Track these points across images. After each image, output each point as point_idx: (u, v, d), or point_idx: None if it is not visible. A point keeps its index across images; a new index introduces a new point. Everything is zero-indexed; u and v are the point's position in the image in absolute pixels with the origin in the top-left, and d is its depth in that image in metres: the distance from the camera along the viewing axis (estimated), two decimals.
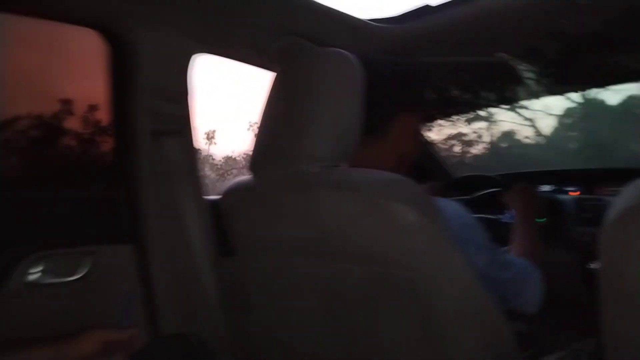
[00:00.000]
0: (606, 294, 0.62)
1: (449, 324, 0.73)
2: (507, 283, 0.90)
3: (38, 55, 1.17)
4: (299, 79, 0.85)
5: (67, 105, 1.25)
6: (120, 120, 1.16)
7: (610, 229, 0.60)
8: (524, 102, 1.94)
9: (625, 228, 0.58)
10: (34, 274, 1.05)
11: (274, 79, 0.92)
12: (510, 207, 1.30)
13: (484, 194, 1.62)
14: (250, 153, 0.93)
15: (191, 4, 1.03)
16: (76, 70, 1.26)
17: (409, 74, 1.00)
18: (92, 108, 1.27)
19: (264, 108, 0.92)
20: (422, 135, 1.94)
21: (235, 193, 0.97)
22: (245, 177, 0.97)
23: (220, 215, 1.01)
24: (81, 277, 1.10)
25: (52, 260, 1.07)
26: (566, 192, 1.63)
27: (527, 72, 1.47)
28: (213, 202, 1.12)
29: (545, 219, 1.34)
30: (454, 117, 2.23)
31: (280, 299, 0.95)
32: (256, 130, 0.94)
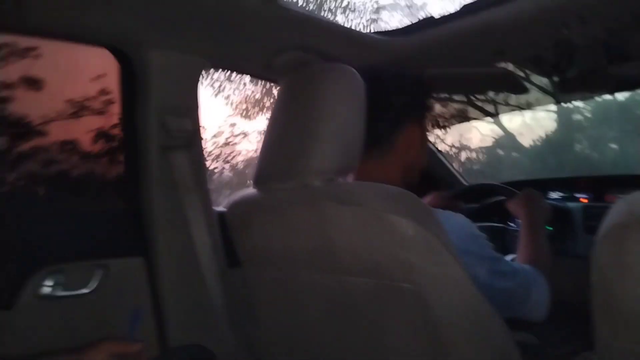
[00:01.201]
0: (599, 311, 0.62)
1: (450, 336, 0.73)
2: (511, 291, 0.90)
3: (51, 74, 1.20)
4: (302, 92, 0.86)
5: (78, 122, 1.28)
6: (131, 135, 1.19)
7: (601, 245, 0.60)
8: (528, 110, 1.95)
9: (615, 244, 0.58)
10: (46, 287, 1.07)
11: (279, 92, 0.94)
12: (515, 214, 1.30)
13: (491, 202, 1.63)
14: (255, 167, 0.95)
15: (198, 22, 1.06)
16: (88, 88, 1.30)
17: (413, 85, 1.01)
18: (103, 124, 1.30)
19: (269, 121, 0.93)
20: (428, 145, 1.95)
21: (240, 206, 0.98)
22: (250, 190, 0.98)
23: (226, 227, 1.03)
24: (92, 290, 1.12)
25: (63, 273, 1.09)
26: (576, 200, 1.62)
27: (530, 80, 1.48)
28: (220, 214, 1.13)
29: (552, 228, 1.33)
30: (459, 126, 2.24)
31: (287, 310, 0.96)
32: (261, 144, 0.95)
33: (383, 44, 1.31)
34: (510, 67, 1.41)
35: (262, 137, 0.95)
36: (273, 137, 0.91)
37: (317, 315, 0.88)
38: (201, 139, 1.24)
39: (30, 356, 0.89)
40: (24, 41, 1.06)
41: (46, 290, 1.07)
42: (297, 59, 1.15)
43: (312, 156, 0.80)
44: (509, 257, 1.06)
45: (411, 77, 1.02)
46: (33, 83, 1.20)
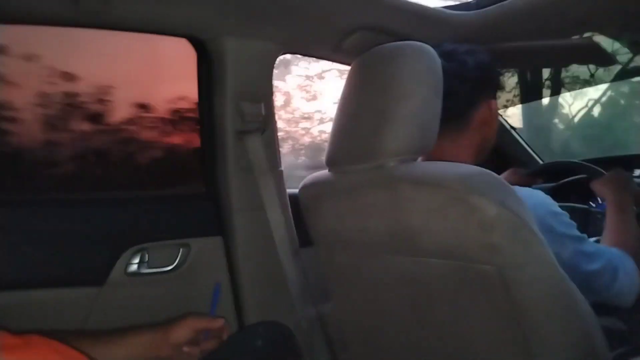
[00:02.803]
0: None
1: (532, 319, 0.71)
2: (596, 274, 0.86)
3: (132, 65, 1.27)
4: (377, 73, 0.85)
5: (160, 111, 1.35)
6: (208, 121, 1.24)
7: None
8: (611, 83, 1.82)
9: None
10: (133, 265, 1.15)
11: (349, 73, 0.94)
12: (600, 196, 1.23)
13: (571, 181, 1.54)
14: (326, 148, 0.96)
15: (272, 8, 1.07)
16: (167, 77, 1.36)
17: (488, 60, 0.99)
18: (183, 112, 1.36)
19: (339, 102, 0.94)
20: (501, 121, 1.88)
21: (313, 188, 0.99)
22: (322, 171, 0.99)
23: (299, 206, 1.05)
24: (174, 267, 1.19)
25: (149, 252, 1.17)
26: None
27: (613, 52, 1.37)
28: (293, 196, 1.16)
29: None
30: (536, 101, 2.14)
31: (361, 292, 0.97)
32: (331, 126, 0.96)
33: (454, 18, 1.26)
34: (593, 37, 1.32)
35: (333, 119, 0.95)
36: (345, 119, 0.91)
37: (393, 297, 0.89)
38: (275, 123, 1.27)
39: (119, 330, 0.95)
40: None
41: (133, 268, 1.15)
42: (368, 39, 1.14)
43: (388, 137, 0.79)
44: (593, 240, 1.02)
45: (485, 52, 0.99)
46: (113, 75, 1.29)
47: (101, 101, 1.28)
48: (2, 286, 1.02)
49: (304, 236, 1.15)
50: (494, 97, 1.01)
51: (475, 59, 0.96)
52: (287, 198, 1.28)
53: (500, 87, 1.04)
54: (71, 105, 1.25)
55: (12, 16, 1.00)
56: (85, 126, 1.29)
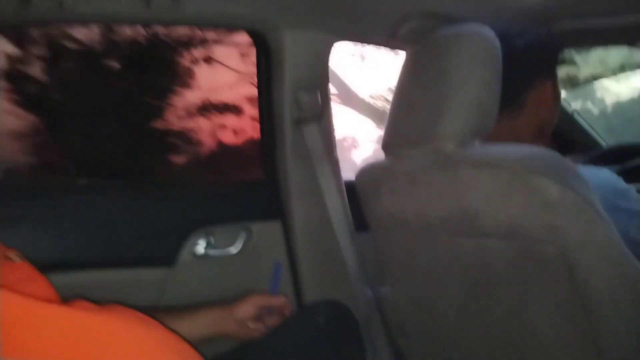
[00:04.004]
0: None
1: (598, 300, 0.70)
2: None
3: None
4: (434, 57, 0.86)
5: (224, 103, 1.42)
6: (268, 111, 1.28)
7: None
8: None
9: None
10: (200, 247, 1.22)
11: (405, 59, 0.95)
12: None
13: (637, 164, 1.48)
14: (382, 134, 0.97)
15: (325, 1, 1.10)
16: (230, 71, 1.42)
17: (543, 40, 0.96)
18: (245, 103, 1.42)
19: (396, 89, 0.95)
20: (561, 103, 1.81)
21: (370, 173, 1.01)
22: (379, 158, 1.01)
23: (356, 193, 1.07)
24: (238, 250, 1.26)
25: (214, 235, 1.24)
26: None
27: None
28: (349, 182, 1.19)
29: None
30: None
31: (420, 274, 0.98)
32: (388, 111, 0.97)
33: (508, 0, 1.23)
34: None
35: (390, 104, 0.97)
36: (402, 104, 0.92)
37: (452, 281, 0.89)
38: (331, 111, 1.30)
39: (190, 307, 1.02)
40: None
41: (200, 250, 1.22)
42: (425, 25, 1.14)
43: (446, 120, 0.79)
44: None
45: (539, 32, 0.97)
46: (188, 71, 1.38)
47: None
48: (79, 266, 1.11)
49: (359, 222, 1.18)
50: (551, 77, 0.98)
51: (525, 41, 0.94)
52: (343, 184, 1.31)
53: (558, 64, 1.01)
54: None
55: (84, 16, 1.08)
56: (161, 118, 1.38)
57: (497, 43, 0.83)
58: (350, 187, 1.12)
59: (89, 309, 0.59)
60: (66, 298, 0.73)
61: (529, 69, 0.94)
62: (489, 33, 0.83)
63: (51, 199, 1.12)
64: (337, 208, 1.25)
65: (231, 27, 1.21)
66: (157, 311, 0.95)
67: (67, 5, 0.95)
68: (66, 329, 0.51)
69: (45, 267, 0.76)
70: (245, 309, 1.01)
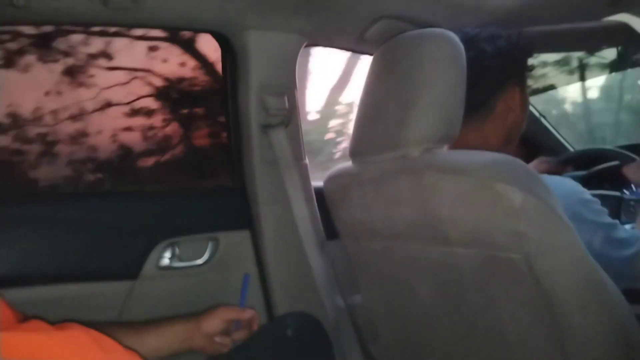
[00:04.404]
0: None
1: (565, 307, 0.70)
2: (629, 260, 0.84)
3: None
4: (399, 61, 0.85)
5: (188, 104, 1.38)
6: (234, 116, 1.25)
7: None
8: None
9: None
10: (165, 259, 1.18)
11: (371, 63, 0.93)
12: (634, 182, 1.20)
13: (603, 168, 1.50)
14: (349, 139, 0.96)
15: (294, 0, 1.08)
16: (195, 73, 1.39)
17: (511, 45, 0.96)
18: (210, 107, 1.38)
19: (362, 93, 0.93)
20: (529, 108, 1.84)
21: (338, 179, 0.99)
22: (346, 163, 0.99)
23: (324, 200, 1.05)
24: (205, 261, 1.22)
25: (180, 245, 1.20)
26: None
27: None
28: (318, 189, 1.17)
29: None
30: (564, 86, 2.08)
31: (389, 282, 0.97)
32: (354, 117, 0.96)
33: (477, 3, 1.24)
34: (626, 18, 1.27)
35: (356, 109, 0.95)
36: (368, 109, 0.91)
37: (422, 287, 0.89)
38: (298, 116, 1.27)
39: (153, 321, 0.98)
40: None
41: (165, 261, 1.18)
42: (392, 28, 1.14)
43: (411, 126, 0.78)
44: (627, 227, 0.99)
45: (508, 36, 0.97)
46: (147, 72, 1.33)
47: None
48: (36, 280, 1.06)
49: (329, 229, 1.15)
50: (520, 83, 0.98)
51: (494, 46, 0.93)
52: (312, 191, 1.28)
53: (528, 70, 1.02)
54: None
55: (42, 17, 1.03)
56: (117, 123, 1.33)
57: (461, 47, 0.82)
58: (321, 194, 1.10)
59: (46, 329, 0.56)
60: (25, 315, 0.70)
61: (498, 74, 0.94)
62: (453, 37, 0.82)
63: (5, 206, 1.06)
64: (305, 216, 1.23)
65: (193, 29, 1.18)
66: (120, 326, 0.92)
67: (19, 4, 0.90)
68: (21, 353, 0.49)
69: (3, 282, 0.72)
70: (213, 323, 0.98)
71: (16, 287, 0.98)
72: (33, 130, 1.32)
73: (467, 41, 0.90)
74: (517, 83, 0.96)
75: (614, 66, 2.01)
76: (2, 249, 1.03)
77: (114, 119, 1.36)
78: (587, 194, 0.85)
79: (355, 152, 0.93)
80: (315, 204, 1.28)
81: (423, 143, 0.79)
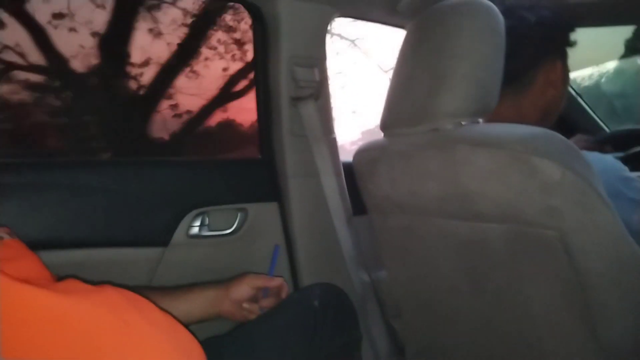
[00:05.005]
0: None
1: (597, 286, 0.69)
2: None
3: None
4: (433, 32, 0.83)
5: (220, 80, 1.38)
6: (264, 88, 1.25)
7: None
8: None
9: None
10: (194, 227, 1.20)
11: (405, 36, 0.91)
12: None
13: None
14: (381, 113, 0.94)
15: None
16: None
17: (554, 16, 0.92)
18: (237, 79, 1.38)
19: (395, 66, 0.92)
20: (569, 84, 1.78)
21: (368, 153, 0.99)
22: (377, 138, 0.98)
23: (353, 175, 1.05)
24: (233, 230, 1.24)
25: (209, 215, 1.22)
26: None
27: None
28: (347, 163, 1.16)
29: None
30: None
31: (415, 257, 0.97)
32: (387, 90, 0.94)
33: None
34: None
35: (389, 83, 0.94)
36: (400, 82, 0.89)
37: (447, 263, 0.88)
38: (329, 88, 1.26)
39: (184, 286, 1.00)
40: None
41: (195, 230, 1.20)
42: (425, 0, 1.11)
43: (445, 98, 0.77)
44: None
45: (551, 7, 0.93)
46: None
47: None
48: (71, 244, 1.09)
49: (357, 204, 1.15)
50: (561, 57, 0.94)
51: (537, 15, 0.90)
52: (341, 165, 1.28)
53: (569, 45, 0.98)
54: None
55: None
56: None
57: (500, 17, 0.79)
58: (350, 169, 1.10)
59: (78, 290, 0.58)
60: (59, 276, 0.72)
61: (540, 44, 0.90)
62: (492, 6, 0.79)
63: (42, 173, 1.09)
64: (334, 190, 1.23)
65: None
66: (150, 290, 0.94)
67: None
68: (52, 314, 0.50)
69: (37, 245, 0.74)
70: (241, 289, 0.99)
71: (50, 250, 1.01)
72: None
73: (507, 9, 0.87)
74: (558, 57, 0.93)
75: None
76: (38, 213, 1.06)
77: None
78: (627, 171, 0.83)
79: (386, 125, 0.92)
80: (344, 178, 1.28)
81: (456, 116, 0.77)
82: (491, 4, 0.80)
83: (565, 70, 0.95)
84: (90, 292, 0.58)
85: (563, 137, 0.69)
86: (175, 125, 1.43)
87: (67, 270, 0.82)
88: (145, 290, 0.93)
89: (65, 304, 0.52)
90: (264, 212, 1.27)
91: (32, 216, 1.05)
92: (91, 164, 1.19)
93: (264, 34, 1.21)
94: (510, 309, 0.81)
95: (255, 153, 1.35)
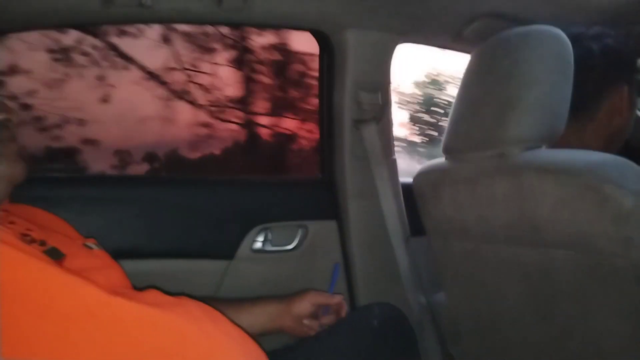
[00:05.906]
0: None
1: None
2: None
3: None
4: (499, 60, 0.83)
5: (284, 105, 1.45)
6: (328, 111, 1.30)
7: None
8: None
9: None
10: (258, 242, 1.26)
11: (470, 61, 0.93)
12: None
13: None
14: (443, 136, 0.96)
15: (391, 1, 1.10)
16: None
17: (620, 43, 0.91)
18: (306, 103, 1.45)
19: (459, 90, 0.93)
20: (636, 111, 1.71)
21: (429, 175, 0.99)
22: (438, 159, 0.99)
23: (412, 196, 1.06)
24: (294, 247, 1.28)
25: (272, 231, 1.27)
26: None
27: None
28: (406, 184, 1.18)
29: None
30: None
31: (477, 283, 0.96)
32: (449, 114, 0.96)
33: (581, 0, 1.18)
34: None
35: (452, 106, 0.95)
36: (465, 107, 0.90)
37: (512, 291, 0.87)
38: (391, 112, 1.29)
39: (249, 299, 1.04)
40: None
41: (258, 245, 1.26)
42: (490, 26, 1.12)
43: (512, 124, 0.77)
44: None
45: (616, 35, 0.92)
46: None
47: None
48: (148, 254, 1.17)
49: (414, 225, 1.17)
50: (628, 84, 0.92)
51: (601, 45, 0.89)
52: (400, 187, 1.30)
53: (637, 71, 0.96)
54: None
55: (161, 16, 1.13)
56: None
57: (569, 44, 0.79)
58: (408, 190, 1.11)
59: (164, 302, 0.61)
60: (135, 286, 0.77)
61: (605, 74, 0.89)
62: (560, 34, 0.80)
63: (127, 188, 1.18)
64: (392, 211, 1.25)
65: (297, 27, 1.23)
66: (216, 302, 0.98)
67: (146, 5, 1.00)
68: (143, 326, 0.54)
69: (117, 254, 0.80)
70: (303, 305, 1.02)
71: (127, 259, 1.08)
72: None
73: (573, 39, 0.87)
74: (624, 84, 0.91)
75: None
76: (119, 225, 1.15)
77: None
78: None
79: (449, 148, 0.93)
80: (402, 200, 1.29)
81: (523, 142, 0.77)
82: (560, 31, 0.80)
83: (633, 98, 0.94)
84: (174, 305, 0.60)
85: (634, 164, 0.68)
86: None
87: (142, 279, 0.88)
88: (212, 301, 0.97)
89: (155, 316, 0.55)
90: (324, 230, 1.31)
91: (114, 228, 1.14)
92: (171, 181, 1.28)
93: (330, 60, 1.26)
94: (578, 341, 0.79)
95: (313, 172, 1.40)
